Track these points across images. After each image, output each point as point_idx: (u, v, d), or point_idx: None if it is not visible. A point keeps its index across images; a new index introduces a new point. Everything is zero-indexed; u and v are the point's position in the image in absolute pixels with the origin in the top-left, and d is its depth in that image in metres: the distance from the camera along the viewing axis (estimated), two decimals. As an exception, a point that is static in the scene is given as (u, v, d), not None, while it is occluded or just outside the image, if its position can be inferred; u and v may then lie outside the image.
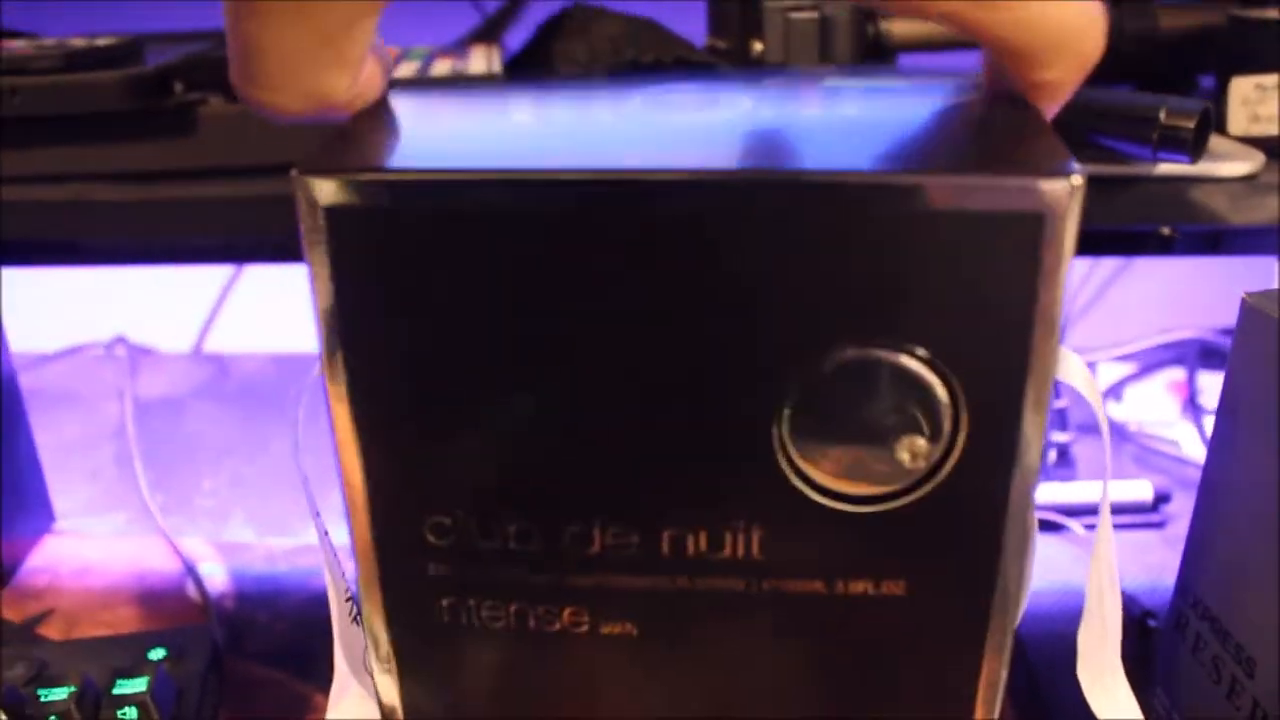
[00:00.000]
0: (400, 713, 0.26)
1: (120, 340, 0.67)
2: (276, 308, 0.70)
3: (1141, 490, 0.49)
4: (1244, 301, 0.31)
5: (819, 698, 0.25)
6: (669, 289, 0.20)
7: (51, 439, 0.54)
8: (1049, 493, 0.48)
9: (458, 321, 0.21)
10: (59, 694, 0.33)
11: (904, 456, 0.21)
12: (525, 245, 0.20)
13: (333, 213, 0.20)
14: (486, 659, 0.25)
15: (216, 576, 0.45)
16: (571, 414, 0.22)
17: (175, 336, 0.70)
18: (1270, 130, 0.41)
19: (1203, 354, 0.61)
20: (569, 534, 0.23)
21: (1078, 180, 0.19)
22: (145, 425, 0.59)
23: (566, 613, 0.24)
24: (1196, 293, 0.62)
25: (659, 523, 0.22)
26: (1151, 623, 0.39)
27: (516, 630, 0.24)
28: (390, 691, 0.25)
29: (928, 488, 0.22)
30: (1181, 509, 0.49)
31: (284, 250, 0.49)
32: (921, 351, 0.21)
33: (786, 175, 0.20)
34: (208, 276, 0.69)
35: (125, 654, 0.35)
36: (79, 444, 0.57)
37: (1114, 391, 0.60)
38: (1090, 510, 0.48)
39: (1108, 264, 0.68)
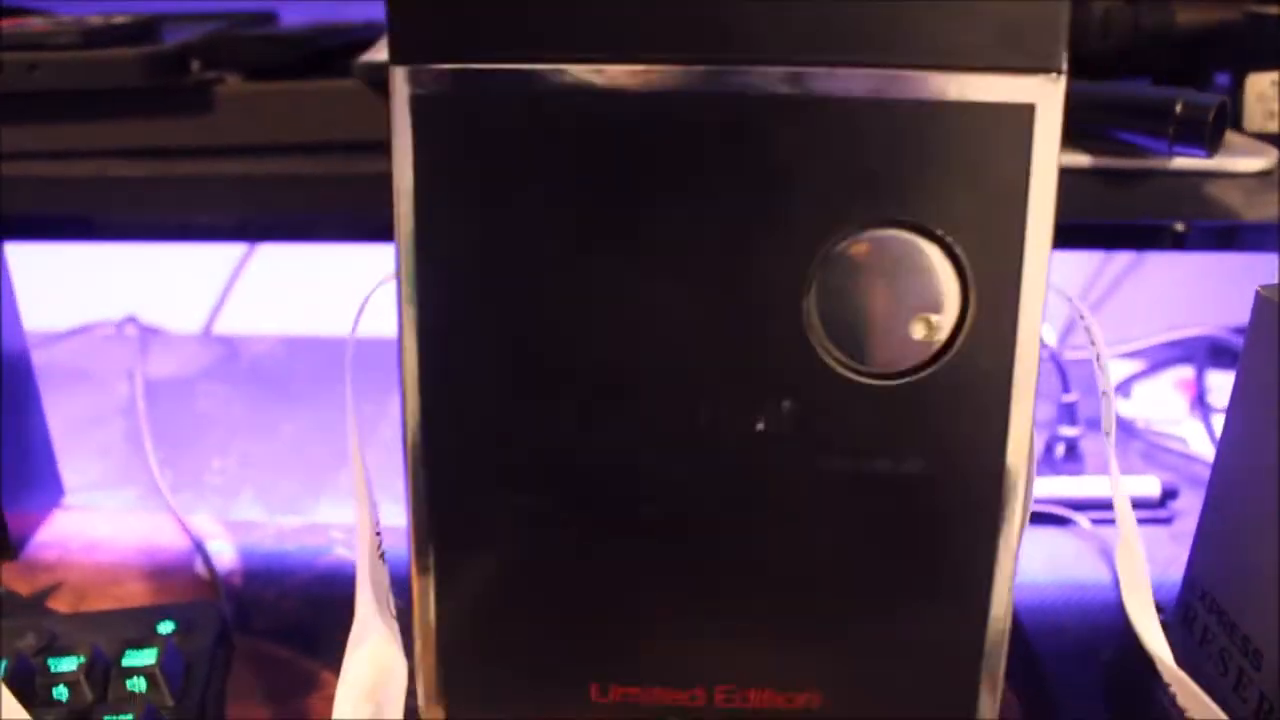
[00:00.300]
0: (433, 620, 0.27)
1: (131, 320, 0.67)
2: (286, 290, 0.71)
3: (1149, 486, 0.49)
4: (1258, 294, 0.31)
5: (845, 585, 0.26)
6: (712, 184, 0.23)
7: (61, 416, 0.54)
8: (1056, 487, 0.48)
9: (525, 207, 0.23)
10: (69, 664, 0.33)
11: (919, 332, 0.24)
12: (592, 143, 0.23)
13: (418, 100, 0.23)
14: (525, 549, 0.26)
15: (225, 554, 0.45)
16: (623, 301, 0.24)
17: (185, 317, 0.71)
18: (1288, 127, 0.41)
19: (1212, 352, 0.61)
20: (612, 415, 0.25)
21: (1063, 72, 0.22)
22: (155, 404, 0.59)
23: (608, 498, 0.25)
24: (1205, 291, 0.62)
25: (696, 402, 0.24)
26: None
27: (559, 519, 0.25)
28: (428, 601, 0.27)
29: (941, 362, 0.24)
30: (1189, 505, 0.49)
31: (298, 229, 0.49)
32: (931, 231, 0.23)
33: (805, 93, 0.23)
34: (218, 257, 0.70)
35: (134, 627, 0.35)
36: (88, 421, 0.58)
37: (1122, 389, 0.60)
38: (1098, 505, 0.48)
39: (1118, 261, 0.68)
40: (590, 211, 0.23)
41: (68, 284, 0.67)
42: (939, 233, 0.23)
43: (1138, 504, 0.49)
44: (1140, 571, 0.29)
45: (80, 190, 0.40)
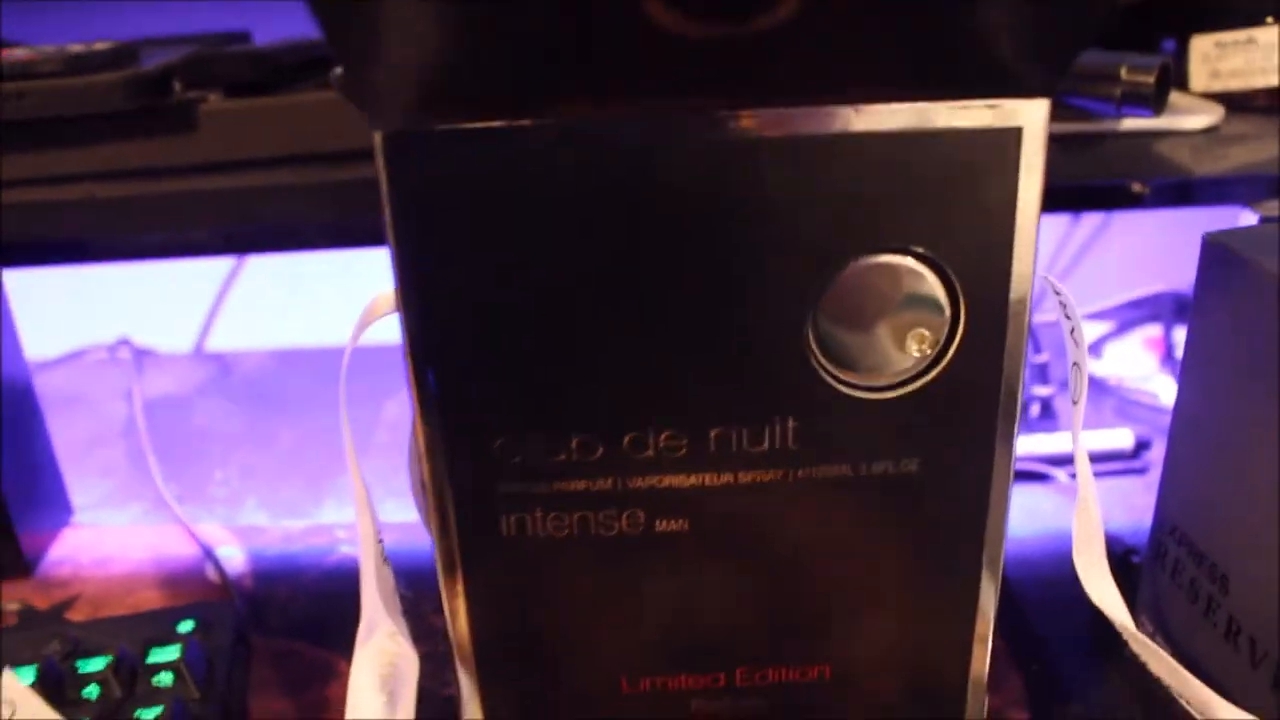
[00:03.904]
0: (466, 626, 0.28)
1: (124, 342, 0.69)
2: (274, 305, 0.72)
3: (1122, 439, 0.51)
4: (1205, 240, 0.32)
5: (849, 579, 0.28)
6: (711, 223, 0.24)
7: (62, 440, 0.55)
8: (1033, 444, 0.50)
9: (526, 248, 0.24)
10: (96, 664, 0.34)
11: (913, 346, 0.25)
12: (591, 180, 0.23)
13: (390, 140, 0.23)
14: (549, 567, 0.27)
15: (234, 558, 0.47)
16: (629, 331, 0.25)
17: (175, 337, 0.72)
18: (1231, 85, 0.42)
19: (1177, 309, 0.63)
20: (627, 442, 0.26)
21: (1047, 99, 0.23)
22: (153, 422, 0.60)
23: (625, 516, 0.26)
24: (1168, 250, 0.64)
25: (707, 424, 0.25)
26: (1134, 559, 0.41)
27: (579, 537, 0.27)
28: (459, 607, 0.28)
29: (935, 372, 0.25)
30: (1161, 456, 0.50)
31: (285, 238, 0.51)
32: (922, 254, 0.24)
33: (793, 134, 0.23)
34: (204, 276, 0.71)
35: (155, 627, 0.37)
36: (89, 443, 0.59)
37: (1094, 349, 0.62)
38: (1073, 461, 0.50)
39: (1085, 226, 0.70)
40: (594, 251, 0.24)
41: (56, 310, 0.68)
42: (930, 255, 0.24)
43: (1112, 456, 0.50)
44: (1095, 533, 0.30)
45: (72, 213, 0.42)
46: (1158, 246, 0.68)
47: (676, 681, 0.29)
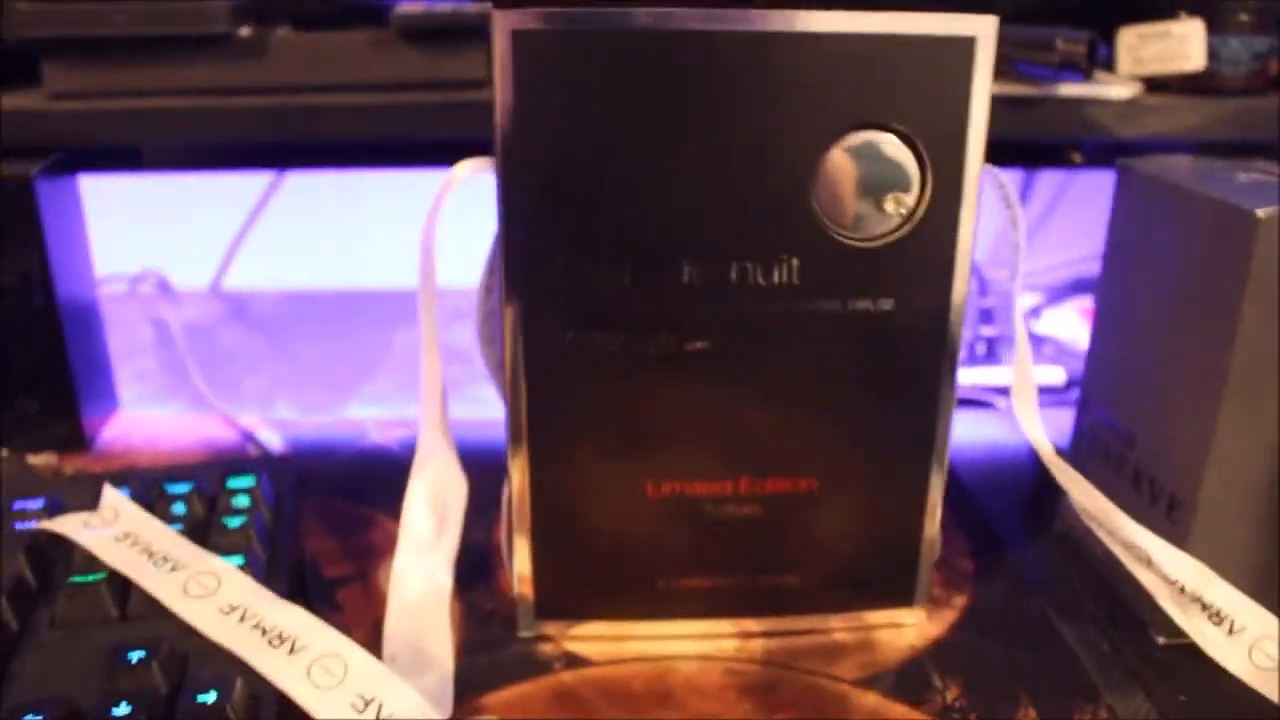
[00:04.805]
0: (525, 428, 0.34)
1: (150, 273, 0.74)
2: (288, 248, 0.77)
3: (1055, 375, 0.58)
4: (1119, 164, 0.40)
5: (835, 403, 0.35)
6: (739, 100, 0.31)
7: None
8: (978, 376, 0.58)
9: (599, 119, 0.31)
10: (181, 488, 0.40)
11: (890, 206, 0.32)
12: (651, 71, 0.31)
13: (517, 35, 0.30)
14: (599, 378, 0.34)
15: (273, 443, 0.52)
16: (673, 186, 0.32)
17: (192, 274, 0.77)
18: (1151, 70, 0.50)
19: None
20: (667, 274, 0.32)
21: (993, 15, 0.30)
22: (182, 342, 0.65)
23: (661, 335, 0.33)
24: (1100, 231, 0.72)
25: (729, 260, 0.32)
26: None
27: (623, 353, 0.33)
28: (519, 407, 0.34)
29: (908, 228, 0.33)
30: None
31: (322, 155, 0.57)
32: (900, 131, 0.32)
33: (804, 30, 0.31)
34: (223, 216, 0.76)
35: (228, 466, 0.42)
36: (120, 357, 0.64)
37: (1033, 313, 0.70)
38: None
39: (1031, 210, 0.78)
40: (649, 122, 0.31)
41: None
42: (906, 132, 0.32)
43: (1045, 390, 0.58)
44: (1028, 383, 0.37)
45: (141, 122, 0.47)
46: (1087, 228, 0.76)
47: (692, 488, 0.35)
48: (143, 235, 0.75)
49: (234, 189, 0.74)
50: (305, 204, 0.75)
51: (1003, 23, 0.33)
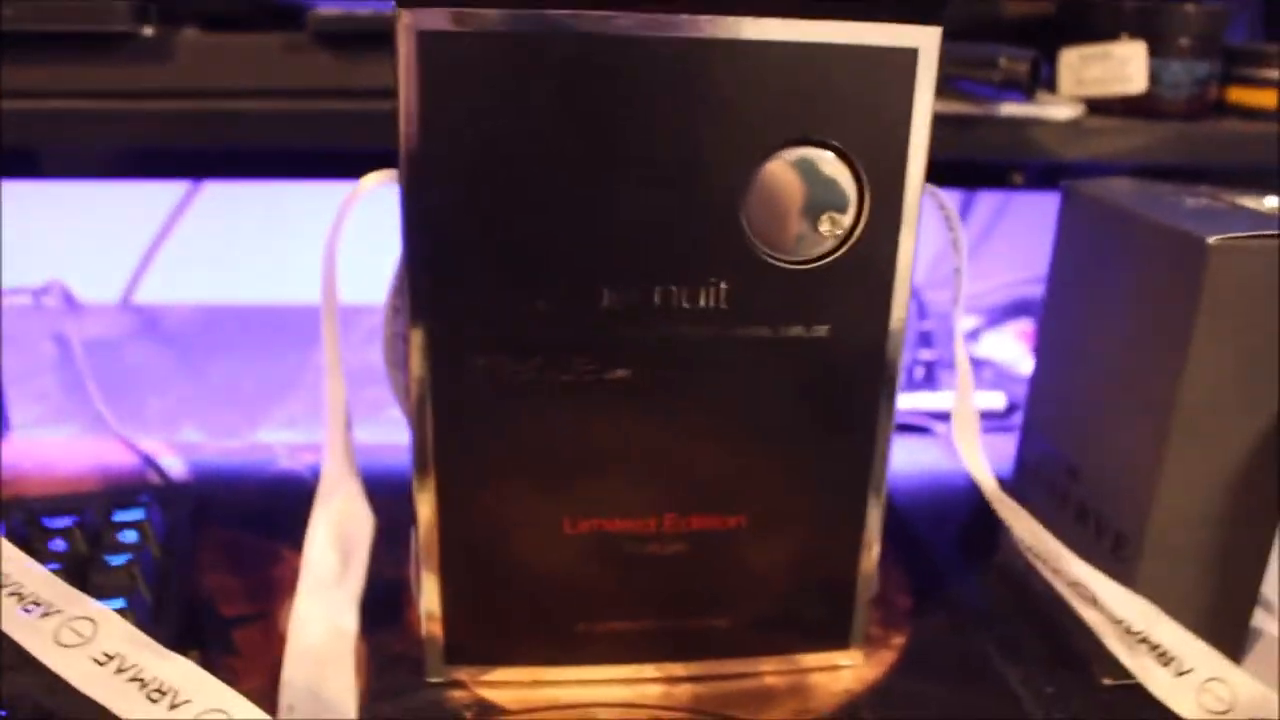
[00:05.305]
0: (432, 458, 0.32)
1: (54, 284, 0.70)
2: (202, 260, 0.74)
3: (996, 400, 0.57)
4: (1064, 187, 0.38)
5: (766, 435, 0.33)
6: (666, 112, 0.29)
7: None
8: (917, 401, 0.56)
9: (512, 129, 0.28)
10: (63, 522, 0.37)
11: (825, 227, 0.30)
12: (570, 78, 0.28)
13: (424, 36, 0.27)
14: (512, 407, 0.31)
15: (176, 468, 0.49)
16: (593, 202, 0.29)
17: (100, 289, 0.73)
18: (1092, 91, 0.49)
19: (1047, 304, 0.70)
20: (585, 295, 0.30)
21: (938, 26, 0.28)
22: (85, 359, 0.62)
23: (578, 362, 0.30)
24: (1039, 252, 0.71)
25: (653, 283, 0.30)
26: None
27: (537, 381, 0.31)
28: (426, 435, 0.31)
29: (844, 250, 0.30)
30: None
31: (238, 164, 0.54)
32: (836, 148, 0.29)
33: (734, 37, 0.28)
34: (134, 228, 0.72)
35: (116, 497, 0.39)
36: (19, 375, 0.60)
37: (972, 336, 0.69)
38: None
39: (970, 229, 0.77)
40: (567, 133, 0.28)
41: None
42: (843, 149, 0.30)
43: (985, 415, 0.56)
44: (970, 417, 0.36)
45: (43, 124, 0.44)
46: (1026, 251, 0.75)
47: (613, 524, 0.33)
48: (49, 246, 0.72)
49: (148, 197, 0.70)
50: (222, 215, 0.72)
51: (943, 39, 0.31)
